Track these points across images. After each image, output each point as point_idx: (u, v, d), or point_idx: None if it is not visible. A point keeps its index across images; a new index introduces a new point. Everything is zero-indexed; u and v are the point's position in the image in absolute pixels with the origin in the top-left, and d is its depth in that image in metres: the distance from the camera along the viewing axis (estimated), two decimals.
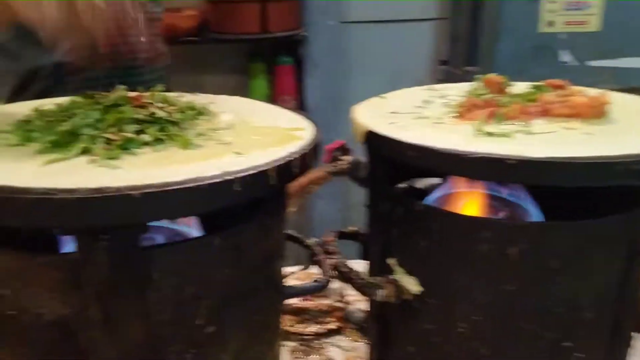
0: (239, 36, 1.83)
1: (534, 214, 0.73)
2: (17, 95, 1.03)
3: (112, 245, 0.44)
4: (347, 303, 1.03)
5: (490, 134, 0.60)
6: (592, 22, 1.87)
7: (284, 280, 0.66)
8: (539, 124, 0.65)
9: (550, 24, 1.88)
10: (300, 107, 2.13)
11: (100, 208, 0.42)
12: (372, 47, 2.28)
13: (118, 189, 0.42)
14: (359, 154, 0.96)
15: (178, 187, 0.43)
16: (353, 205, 2.47)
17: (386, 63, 2.32)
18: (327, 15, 2.05)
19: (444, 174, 0.70)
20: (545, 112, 0.67)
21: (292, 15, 1.92)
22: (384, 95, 0.84)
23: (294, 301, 1.03)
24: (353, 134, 0.72)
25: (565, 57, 1.90)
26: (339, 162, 1.01)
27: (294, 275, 0.98)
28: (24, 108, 0.65)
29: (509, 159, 0.53)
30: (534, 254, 0.59)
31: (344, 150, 1.05)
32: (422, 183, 0.84)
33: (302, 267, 1.03)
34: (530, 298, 0.61)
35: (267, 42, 1.96)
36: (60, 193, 0.41)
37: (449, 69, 2.26)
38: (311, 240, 0.79)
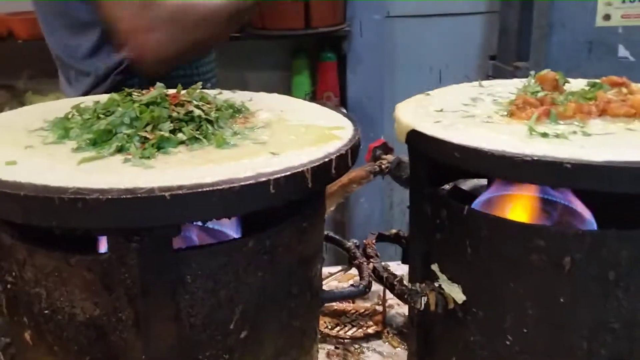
0: (282, 32, 1.81)
1: (588, 218, 0.68)
2: (97, 86, 1.07)
3: (144, 247, 0.43)
4: (388, 306, 1.00)
5: (544, 135, 0.56)
6: None
7: (322, 282, 0.64)
8: (596, 125, 0.60)
9: (607, 17, 1.78)
10: (342, 103, 2.10)
11: (131, 209, 0.41)
12: (418, 41, 2.23)
13: (150, 190, 0.41)
14: (401, 153, 0.92)
15: (210, 188, 0.42)
16: (396, 203, 2.44)
17: (432, 58, 2.27)
18: (372, 10, 2.01)
19: (493, 177, 0.66)
20: (604, 112, 0.62)
21: (336, 11, 1.89)
22: (429, 92, 0.80)
23: (332, 303, 1.01)
24: (395, 133, 0.69)
25: (624, 52, 1.80)
26: (381, 161, 0.98)
27: (334, 276, 0.96)
28: (66, 104, 0.65)
29: (565, 163, 0.49)
30: (590, 264, 0.55)
31: (386, 148, 1.02)
32: (467, 184, 0.80)
33: (342, 268, 1.01)
34: (585, 311, 0.57)
35: (310, 38, 1.94)
36: (92, 193, 0.40)
37: (498, 64, 2.18)
38: (350, 243, 0.76)
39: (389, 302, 1.01)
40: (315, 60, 2.04)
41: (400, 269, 1.01)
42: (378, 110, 2.16)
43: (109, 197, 0.40)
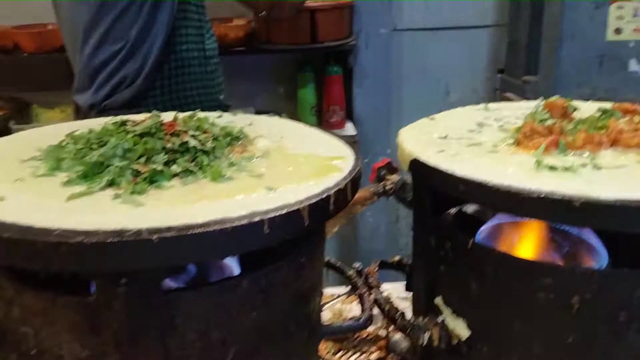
0: (288, 46, 1.80)
1: (598, 250, 0.66)
2: (114, 92, 1.11)
3: (132, 290, 0.41)
4: (392, 331, 0.98)
5: (552, 168, 0.54)
6: None
7: (321, 312, 0.61)
8: (608, 156, 0.58)
9: (618, 31, 1.76)
10: (348, 117, 2.08)
11: (118, 252, 0.39)
12: (425, 55, 2.21)
13: (137, 233, 0.39)
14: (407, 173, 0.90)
15: (201, 230, 0.40)
16: (402, 216, 2.41)
17: (439, 72, 2.24)
18: (379, 23, 1.99)
19: (499, 211, 0.64)
20: (616, 142, 0.59)
21: (342, 25, 1.88)
22: (434, 116, 0.78)
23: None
24: (399, 161, 0.67)
25: (635, 66, 1.77)
26: (385, 182, 0.96)
27: (338, 299, 0.94)
28: (61, 130, 0.64)
29: (574, 201, 0.47)
30: (600, 304, 0.52)
31: (391, 168, 1.00)
32: (472, 207, 0.78)
33: (346, 292, 0.99)
34: (594, 353, 0.54)
35: (316, 51, 1.92)
36: (76, 236, 0.38)
37: (507, 77, 2.15)
38: (351, 271, 0.74)
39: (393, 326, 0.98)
40: (321, 73, 2.02)
41: (402, 288, 0.99)
42: (384, 124, 2.14)
43: (95, 240, 0.38)
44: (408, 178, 0.89)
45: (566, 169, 0.54)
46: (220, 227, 0.41)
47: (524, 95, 1.95)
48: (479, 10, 2.19)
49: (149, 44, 1.09)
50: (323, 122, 2.02)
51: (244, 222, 0.42)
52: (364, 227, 2.26)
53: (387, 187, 0.94)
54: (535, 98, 2.06)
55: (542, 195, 0.48)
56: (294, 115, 2.05)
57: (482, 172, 0.54)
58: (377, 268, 0.75)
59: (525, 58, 2.03)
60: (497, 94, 2.24)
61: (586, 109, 0.72)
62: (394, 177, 0.95)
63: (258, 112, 2.04)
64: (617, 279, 0.52)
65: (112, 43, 1.10)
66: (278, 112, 2.05)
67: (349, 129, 2.04)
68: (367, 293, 0.67)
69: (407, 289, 0.79)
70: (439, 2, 2.16)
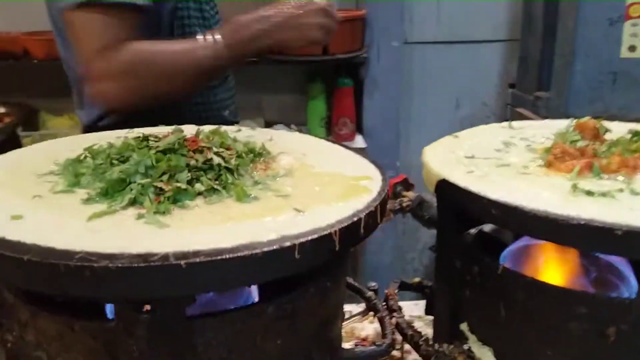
0: (299, 58, 1.79)
1: (628, 277, 0.63)
2: (104, 115, 1.06)
3: (154, 317, 0.39)
4: (406, 351, 0.95)
5: (589, 193, 0.52)
6: None
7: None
8: None
9: (632, 48, 1.74)
10: (358, 129, 2.06)
11: (144, 278, 0.37)
12: (436, 68, 2.19)
13: (164, 257, 0.37)
14: (422, 190, 0.88)
15: (230, 255, 0.38)
16: (408, 230, 2.38)
17: (450, 85, 2.23)
18: (390, 36, 1.98)
19: (534, 237, 0.61)
20: None
21: (355, 37, 1.87)
22: (457, 134, 0.76)
23: (349, 345, 0.96)
24: (424, 181, 0.65)
25: None
26: (402, 199, 0.94)
27: (353, 319, 0.91)
28: (78, 143, 0.62)
29: (616, 229, 0.45)
30: (638, 335, 0.50)
31: (407, 184, 0.98)
32: (489, 227, 0.76)
33: (362, 311, 0.96)
34: None
35: (328, 63, 1.91)
36: (101, 260, 0.36)
37: (518, 92, 2.13)
38: (370, 292, 0.72)
39: (407, 346, 0.96)
40: (332, 85, 2.01)
41: (417, 308, 0.96)
42: (394, 137, 2.12)
43: (119, 265, 0.36)
44: (426, 196, 0.87)
45: (603, 194, 0.52)
46: (250, 252, 0.39)
47: (536, 111, 1.94)
48: (491, 25, 2.18)
49: None
50: (333, 134, 2.01)
51: (275, 247, 0.40)
52: (370, 240, 2.23)
53: (404, 204, 0.92)
54: (547, 114, 2.04)
55: (582, 223, 0.46)
56: (304, 127, 2.04)
57: (515, 196, 0.52)
58: (397, 290, 0.73)
59: (537, 73, 2.01)
60: (508, 108, 2.22)
61: (615, 129, 0.70)
62: (411, 194, 0.93)
63: (267, 123, 2.02)
64: None
65: None
66: (287, 124, 2.04)
67: (359, 141, 2.02)
68: (388, 317, 0.65)
69: (427, 312, 0.76)
70: (451, 16, 2.14)
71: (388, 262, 2.23)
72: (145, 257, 0.37)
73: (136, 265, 0.36)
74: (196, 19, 1.09)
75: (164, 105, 1.05)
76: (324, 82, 2.02)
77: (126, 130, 0.71)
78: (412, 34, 2.13)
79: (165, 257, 0.37)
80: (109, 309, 0.50)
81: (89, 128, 1.11)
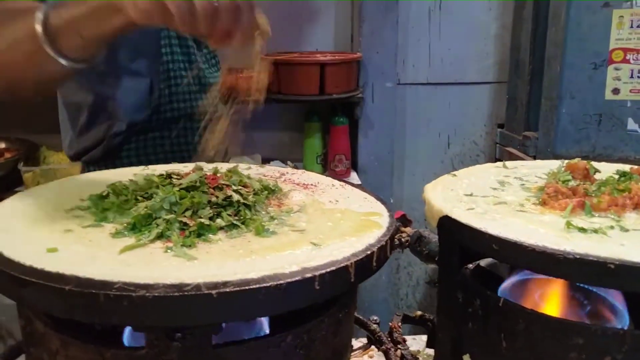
0: (297, 97, 1.85)
1: (619, 309, 0.67)
2: (87, 129, 1.07)
3: (185, 345, 0.42)
4: None
5: (582, 230, 0.56)
6: None
7: None
8: (632, 218, 0.60)
9: (616, 91, 1.82)
10: (353, 166, 2.11)
11: (177, 306, 0.40)
12: (427, 108, 2.27)
13: (196, 287, 0.40)
14: (419, 224, 0.92)
15: (257, 285, 0.41)
16: (402, 265, 2.41)
17: (441, 124, 2.30)
18: (384, 77, 2.06)
19: (532, 271, 0.65)
20: (638, 205, 0.62)
21: (350, 78, 1.95)
22: (455, 172, 0.80)
23: None
24: (426, 217, 0.69)
25: (633, 125, 1.83)
26: (400, 234, 0.97)
27: (354, 354, 0.93)
28: (99, 179, 0.65)
29: (609, 263, 0.49)
30: None
31: (405, 221, 1.01)
32: (486, 261, 0.79)
33: (362, 345, 0.98)
34: None
35: (324, 103, 1.98)
36: (138, 290, 0.39)
37: (506, 132, 2.21)
38: (374, 325, 0.75)
39: None
40: (328, 123, 2.07)
41: (415, 343, 0.98)
42: (388, 174, 2.17)
43: (156, 294, 0.39)
44: (424, 231, 0.90)
45: (595, 230, 0.56)
46: (275, 283, 0.42)
47: (525, 150, 2.00)
48: (479, 67, 2.27)
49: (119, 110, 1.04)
50: (328, 170, 2.05)
51: (297, 278, 0.43)
52: None
53: (403, 240, 0.95)
54: (535, 153, 2.09)
55: (577, 257, 0.50)
56: (300, 163, 2.08)
57: (514, 232, 0.55)
58: (400, 322, 0.75)
59: (524, 114, 2.09)
60: (498, 147, 2.29)
61: (604, 169, 0.74)
62: (409, 230, 0.97)
63: (264, 160, 2.06)
64: None
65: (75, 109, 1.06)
66: (284, 160, 2.08)
67: (354, 178, 2.07)
68: (393, 349, 0.68)
69: (429, 345, 0.79)
70: (442, 59, 2.23)
71: (382, 298, 2.24)
72: (179, 287, 0.40)
73: (171, 294, 0.39)
74: (181, 62, 1.08)
75: (143, 144, 1.07)
76: (320, 121, 2.08)
77: (141, 167, 0.74)
78: (404, 76, 2.22)
79: (198, 287, 0.40)
80: (127, 338, 0.52)
81: (74, 159, 1.13)
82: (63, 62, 0.73)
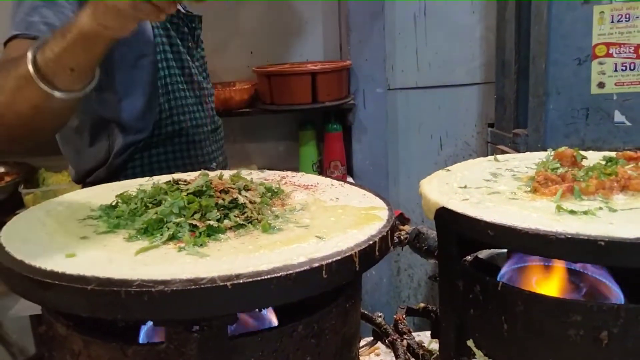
0: (290, 107, 1.89)
1: (613, 289, 0.69)
2: (87, 151, 1.09)
3: (203, 336, 0.44)
4: None
5: (572, 212, 0.58)
6: None
7: None
8: (620, 200, 0.63)
9: (601, 85, 1.87)
10: (349, 172, 2.15)
11: (195, 299, 0.42)
12: (418, 111, 2.31)
13: (211, 280, 0.42)
14: (416, 224, 0.94)
15: (268, 276, 0.44)
16: (403, 268, 2.43)
17: (433, 127, 2.34)
18: (374, 84, 2.10)
19: (527, 254, 0.68)
20: (625, 187, 0.65)
21: (341, 85, 1.98)
22: (449, 168, 0.83)
23: None
24: (423, 210, 0.72)
25: (620, 117, 1.87)
26: (399, 232, 1.00)
27: (360, 350, 0.95)
28: (106, 191, 0.67)
29: (599, 241, 0.51)
30: (627, 338, 0.56)
31: (403, 219, 1.04)
32: (484, 253, 0.82)
33: (368, 342, 1.00)
34: None
35: (317, 111, 2.01)
36: (156, 285, 0.42)
37: (497, 130, 2.25)
38: (380, 319, 0.77)
39: None
40: (322, 130, 2.10)
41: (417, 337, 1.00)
42: (383, 178, 2.21)
43: (174, 288, 0.41)
44: (422, 228, 0.93)
45: (585, 212, 0.59)
46: (285, 273, 0.44)
47: (515, 147, 2.04)
48: (467, 69, 2.31)
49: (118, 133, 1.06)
50: (325, 177, 2.08)
51: (306, 267, 0.45)
52: (366, 280, 2.27)
53: (402, 237, 0.98)
54: (526, 150, 2.14)
55: (569, 237, 0.53)
56: (297, 171, 2.11)
57: (508, 218, 0.58)
58: (404, 315, 0.78)
59: (513, 112, 2.13)
60: (489, 146, 2.32)
61: (591, 157, 0.77)
62: (407, 228, 0.99)
63: (261, 169, 2.09)
64: None
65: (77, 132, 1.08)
66: (280, 169, 2.11)
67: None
68: (400, 339, 0.70)
69: (433, 335, 0.81)
70: (430, 63, 2.28)
71: (384, 301, 2.26)
72: (195, 281, 0.42)
73: (188, 288, 0.42)
74: (178, 75, 1.11)
75: (148, 161, 1.09)
76: (314, 129, 2.11)
77: (146, 178, 0.77)
78: (394, 81, 2.26)
79: (213, 280, 0.42)
80: (143, 337, 0.54)
81: (79, 183, 1.15)
82: (62, 95, 0.78)
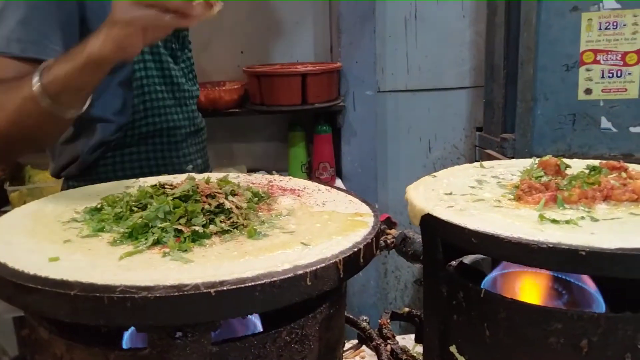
0: (280, 108, 1.89)
1: (596, 297, 0.70)
2: (63, 148, 1.10)
3: (186, 342, 0.44)
4: None
5: (555, 221, 0.59)
6: (631, 89, 1.87)
7: None
8: (602, 209, 0.64)
9: (588, 91, 1.89)
10: (337, 173, 2.15)
11: (178, 306, 0.42)
12: (408, 114, 2.32)
13: (195, 287, 0.42)
14: (404, 227, 0.95)
15: (252, 283, 0.44)
16: (390, 270, 2.44)
17: (421, 130, 2.35)
18: (364, 86, 2.11)
19: (509, 262, 0.68)
20: (608, 197, 0.66)
21: (331, 87, 1.99)
22: (435, 174, 0.84)
23: None
24: (409, 216, 0.72)
25: (606, 123, 1.89)
26: (386, 236, 1.00)
27: (345, 354, 0.96)
28: (91, 193, 0.67)
29: (580, 250, 0.52)
30: (607, 346, 0.57)
31: (390, 223, 1.04)
32: (469, 258, 0.83)
33: (353, 346, 1.01)
34: None
35: (307, 112, 2.02)
36: (139, 291, 0.42)
37: (485, 135, 2.26)
38: (364, 323, 0.77)
39: None
40: (311, 132, 2.11)
41: (402, 341, 1.01)
42: (372, 180, 2.21)
43: (157, 295, 0.41)
44: (409, 233, 0.94)
45: (567, 222, 0.59)
46: (269, 280, 0.44)
47: (503, 151, 2.05)
48: (456, 73, 2.33)
49: (95, 128, 1.07)
50: (313, 178, 2.08)
51: (290, 275, 0.45)
52: (353, 282, 2.28)
53: (389, 241, 0.99)
54: (514, 154, 2.15)
55: (550, 246, 0.53)
56: (285, 172, 2.11)
57: (491, 226, 0.59)
58: (389, 319, 0.78)
59: (501, 117, 2.15)
60: (477, 150, 2.34)
61: (575, 165, 0.78)
62: (394, 232, 1.00)
63: (250, 170, 2.09)
64: (621, 322, 0.56)
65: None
66: (269, 170, 2.11)
67: (339, 185, 2.10)
68: (383, 344, 0.70)
69: (417, 340, 0.82)
70: (420, 66, 2.29)
71: (372, 303, 2.27)
72: (178, 287, 0.42)
73: (171, 294, 0.42)
74: (156, 77, 1.10)
75: (120, 159, 1.09)
76: (304, 130, 2.11)
77: (133, 180, 0.76)
78: (384, 84, 2.27)
79: (197, 286, 0.43)
80: (126, 342, 0.54)
81: (57, 177, 1.16)
82: (69, 113, 0.84)
